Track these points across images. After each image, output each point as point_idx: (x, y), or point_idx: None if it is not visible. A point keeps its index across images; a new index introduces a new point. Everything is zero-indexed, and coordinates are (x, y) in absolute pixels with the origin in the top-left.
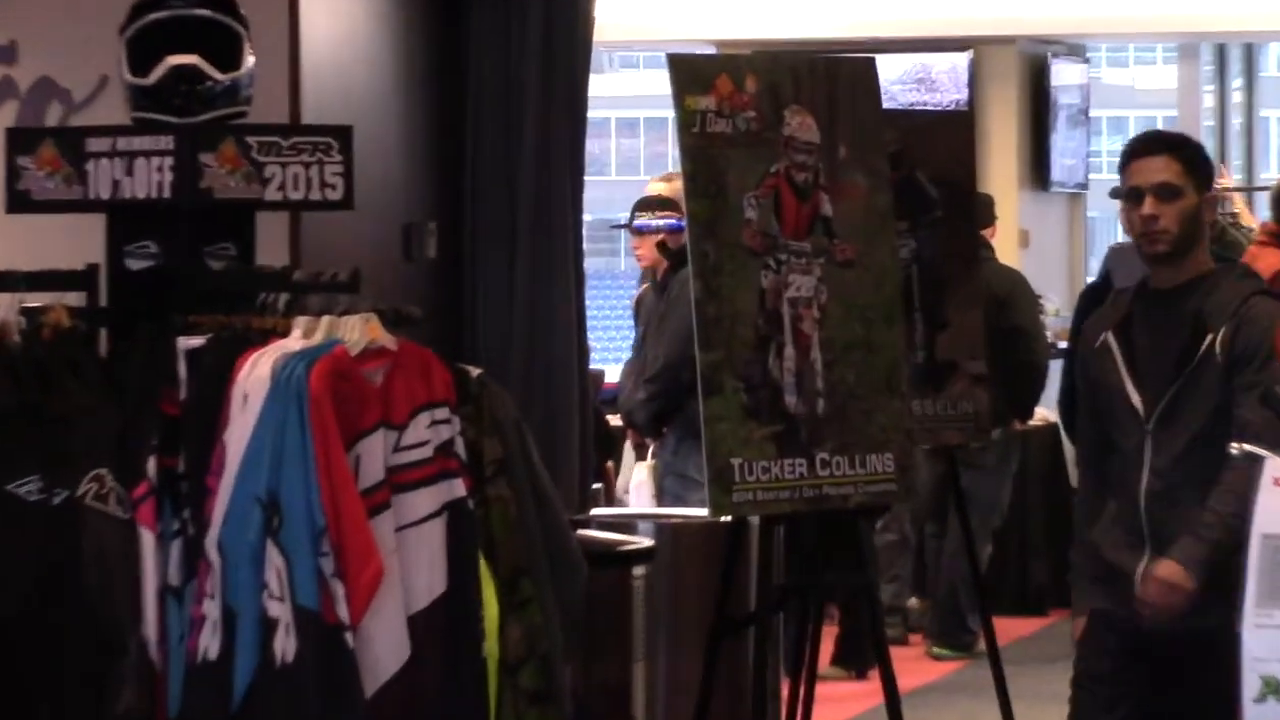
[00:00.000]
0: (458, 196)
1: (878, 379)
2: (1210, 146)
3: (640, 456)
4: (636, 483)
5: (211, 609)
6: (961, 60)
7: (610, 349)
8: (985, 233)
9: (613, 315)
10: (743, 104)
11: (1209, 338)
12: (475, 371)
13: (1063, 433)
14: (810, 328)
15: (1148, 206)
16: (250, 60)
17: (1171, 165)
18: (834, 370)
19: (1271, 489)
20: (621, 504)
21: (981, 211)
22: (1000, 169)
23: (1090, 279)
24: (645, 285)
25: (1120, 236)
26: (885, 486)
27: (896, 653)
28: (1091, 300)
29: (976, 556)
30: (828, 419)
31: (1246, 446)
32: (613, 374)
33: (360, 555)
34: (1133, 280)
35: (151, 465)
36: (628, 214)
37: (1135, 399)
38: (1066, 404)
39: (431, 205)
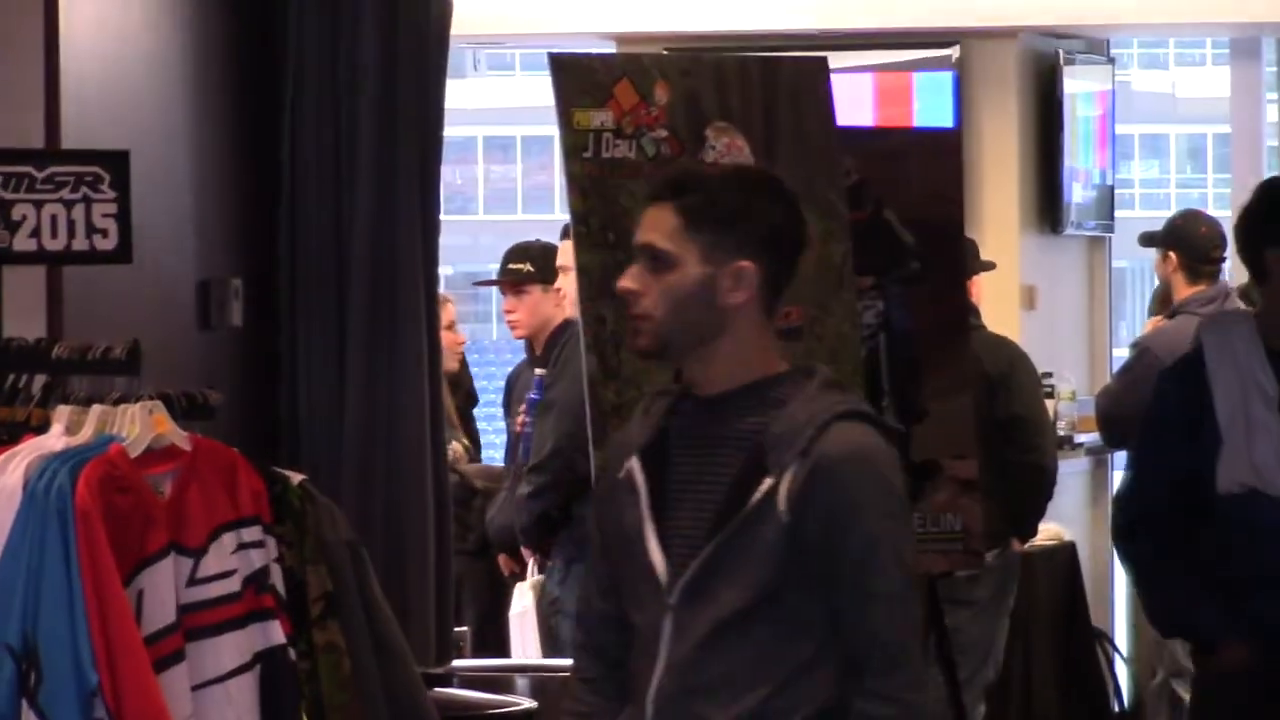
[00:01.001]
0: (269, 245)
1: None
2: (1274, 171)
3: (520, 576)
4: (518, 612)
5: None
6: (945, 60)
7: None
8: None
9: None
10: (651, 120)
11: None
12: (296, 478)
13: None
14: None
15: None
16: None
17: None
18: None
19: None
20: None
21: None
22: (997, 206)
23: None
24: (520, 361)
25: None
26: None
27: None
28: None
29: (966, 719)
30: None
31: None
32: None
33: None
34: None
35: None
36: (498, 266)
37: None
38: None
39: (236, 257)
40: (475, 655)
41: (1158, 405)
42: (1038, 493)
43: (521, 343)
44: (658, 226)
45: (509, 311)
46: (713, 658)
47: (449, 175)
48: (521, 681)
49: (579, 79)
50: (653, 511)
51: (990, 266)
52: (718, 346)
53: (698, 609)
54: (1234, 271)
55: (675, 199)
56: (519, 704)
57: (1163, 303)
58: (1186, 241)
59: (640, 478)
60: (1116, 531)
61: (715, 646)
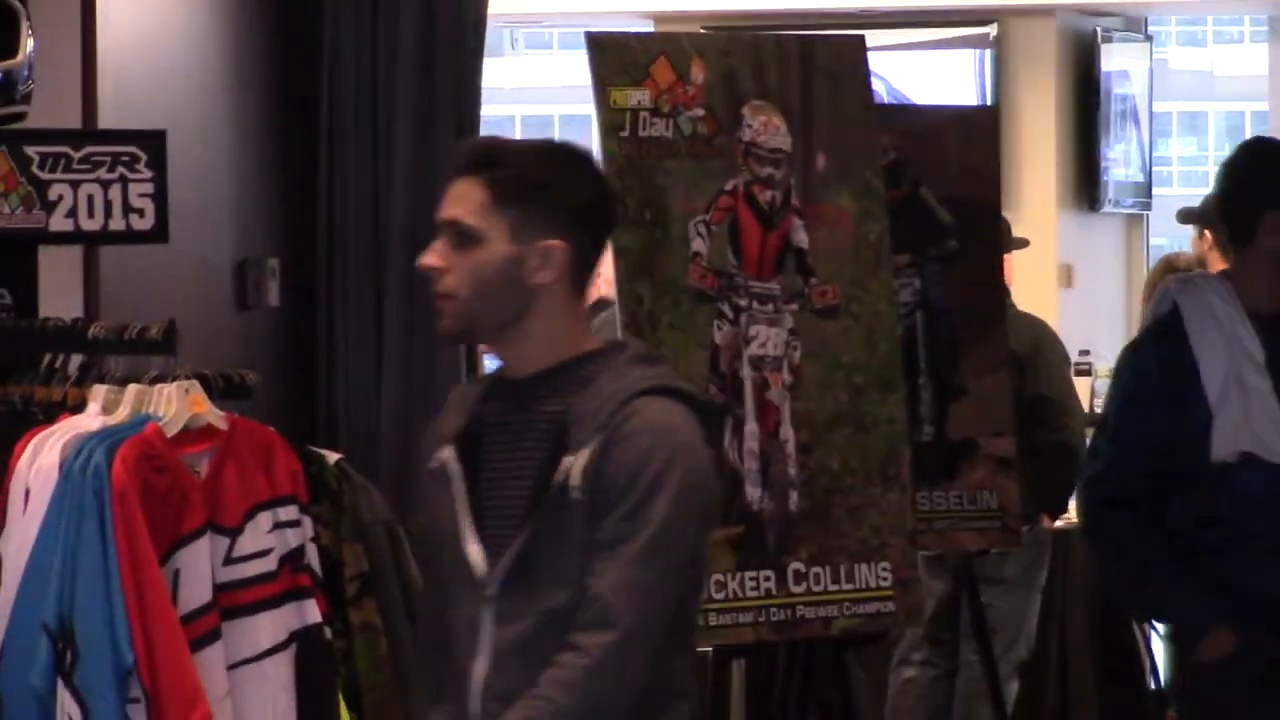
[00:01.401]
0: (307, 227)
1: (870, 464)
2: None
3: None
4: None
5: None
6: (984, 38)
7: None
8: None
9: None
10: (688, 99)
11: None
12: (333, 458)
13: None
14: (779, 397)
15: None
16: (31, 45)
17: None
18: (812, 454)
19: None
20: None
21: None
22: (1035, 184)
23: None
24: None
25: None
26: (879, 606)
27: None
28: (1157, 352)
29: (1003, 699)
30: (803, 518)
31: None
32: None
33: (181, 701)
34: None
35: None
36: None
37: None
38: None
39: (273, 238)
40: None
41: (1136, 375)
42: (1065, 471)
43: None
44: (464, 201)
45: None
46: (539, 650)
47: None
48: None
49: (616, 57)
50: (468, 501)
51: (1023, 244)
52: (526, 327)
53: (520, 600)
54: None
55: (482, 173)
56: None
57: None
58: None
59: (455, 467)
60: (1089, 509)
61: (544, 638)
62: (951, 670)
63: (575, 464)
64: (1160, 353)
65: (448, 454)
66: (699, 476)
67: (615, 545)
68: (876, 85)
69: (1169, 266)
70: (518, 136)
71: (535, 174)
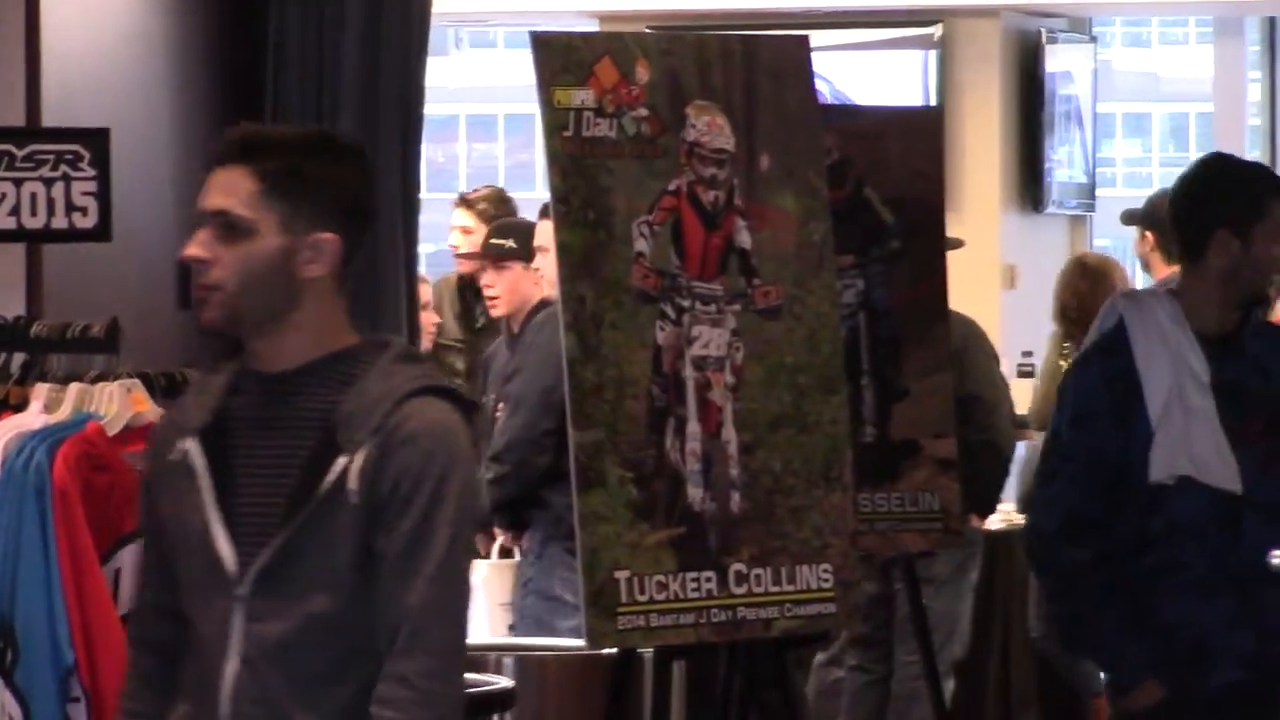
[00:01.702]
0: None
1: (813, 466)
2: (1256, 150)
3: (484, 553)
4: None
5: None
6: (928, 38)
7: None
8: None
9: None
10: (631, 99)
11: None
12: None
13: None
14: (722, 397)
15: None
16: None
17: None
18: (754, 455)
19: None
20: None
21: None
22: (979, 184)
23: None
24: (496, 340)
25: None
26: (820, 608)
27: None
28: (1103, 368)
29: (943, 700)
30: (745, 519)
31: None
32: None
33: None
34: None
35: None
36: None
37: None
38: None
39: None
40: None
41: (1082, 392)
42: (994, 470)
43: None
44: (232, 191)
45: (488, 287)
46: (300, 654)
47: (431, 153)
48: (497, 660)
49: (560, 57)
50: (216, 497)
51: (957, 244)
52: (290, 321)
53: (277, 601)
54: None
55: (251, 163)
56: (496, 682)
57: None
58: (1164, 221)
59: (200, 461)
60: (1042, 535)
61: (302, 641)
62: (886, 675)
63: (351, 466)
64: (1106, 369)
65: (190, 446)
66: (474, 479)
67: (410, 560)
68: (821, 86)
69: (1080, 265)
70: (462, 136)
71: (308, 166)
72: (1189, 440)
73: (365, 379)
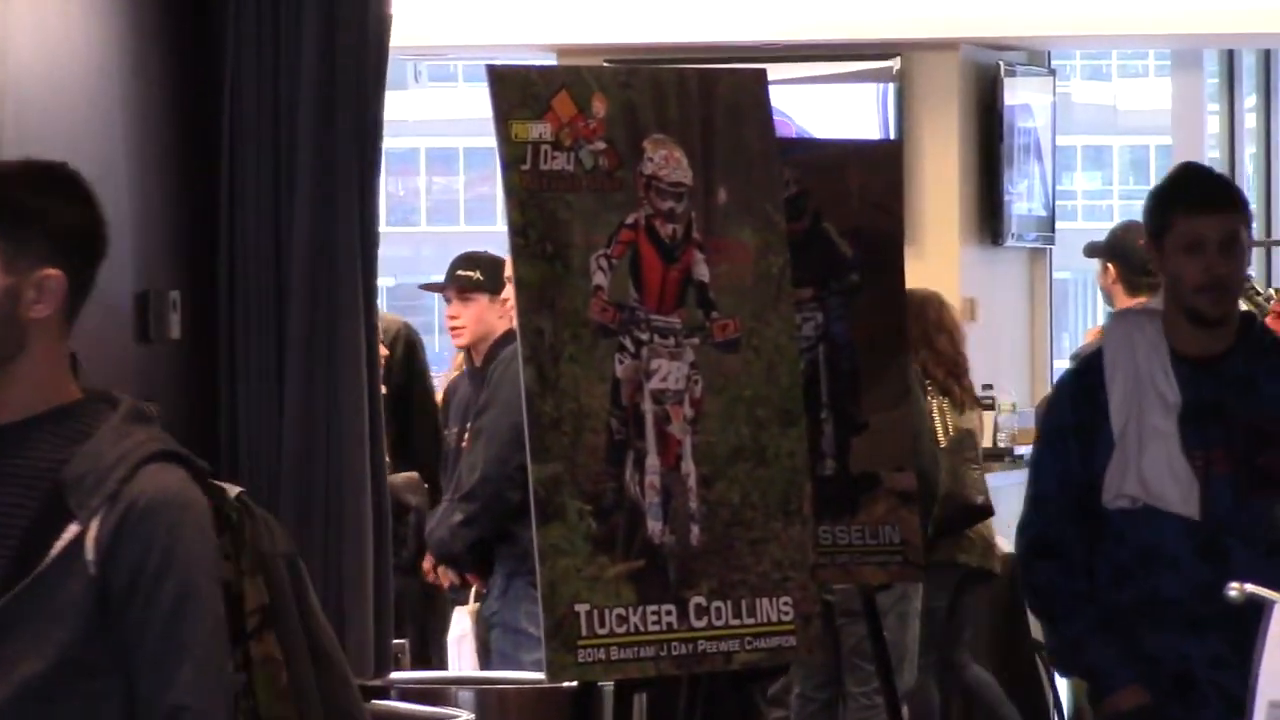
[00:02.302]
0: (209, 259)
1: (772, 499)
2: None
3: (460, 600)
4: (457, 635)
5: None
6: (887, 71)
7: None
8: None
9: None
10: (589, 132)
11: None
12: (233, 490)
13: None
14: (681, 430)
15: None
16: None
17: None
18: (713, 487)
19: None
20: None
21: None
22: (938, 217)
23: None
24: (457, 372)
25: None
26: (780, 640)
27: None
28: (1073, 389)
29: None
30: (704, 552)
31: (1249, 588)
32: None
33: None
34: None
35: None
36: (443, 274)
37: None
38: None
39: (174, 270)
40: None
41: (1054, 411)
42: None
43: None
44: None
45: (453, 318)
46: None
47: (391, 187)
48: (461, 694)
49: (517, 90)
50: None
51: None
52: (15, 369)
53: None
54: None
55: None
56: (456, 716)
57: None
58: (1126, 253)
59: None
60: (1019, 558)
61: (23, 709)
62: (830, 700)
63: (87, 535)
64: (1075, 389)
65: None
66: (213, 548)
67: (179, 633)
68: (780, 119)
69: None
70: (422, 169)
71: (28, 198)
72: (1141, 463)
73: (94, 438)
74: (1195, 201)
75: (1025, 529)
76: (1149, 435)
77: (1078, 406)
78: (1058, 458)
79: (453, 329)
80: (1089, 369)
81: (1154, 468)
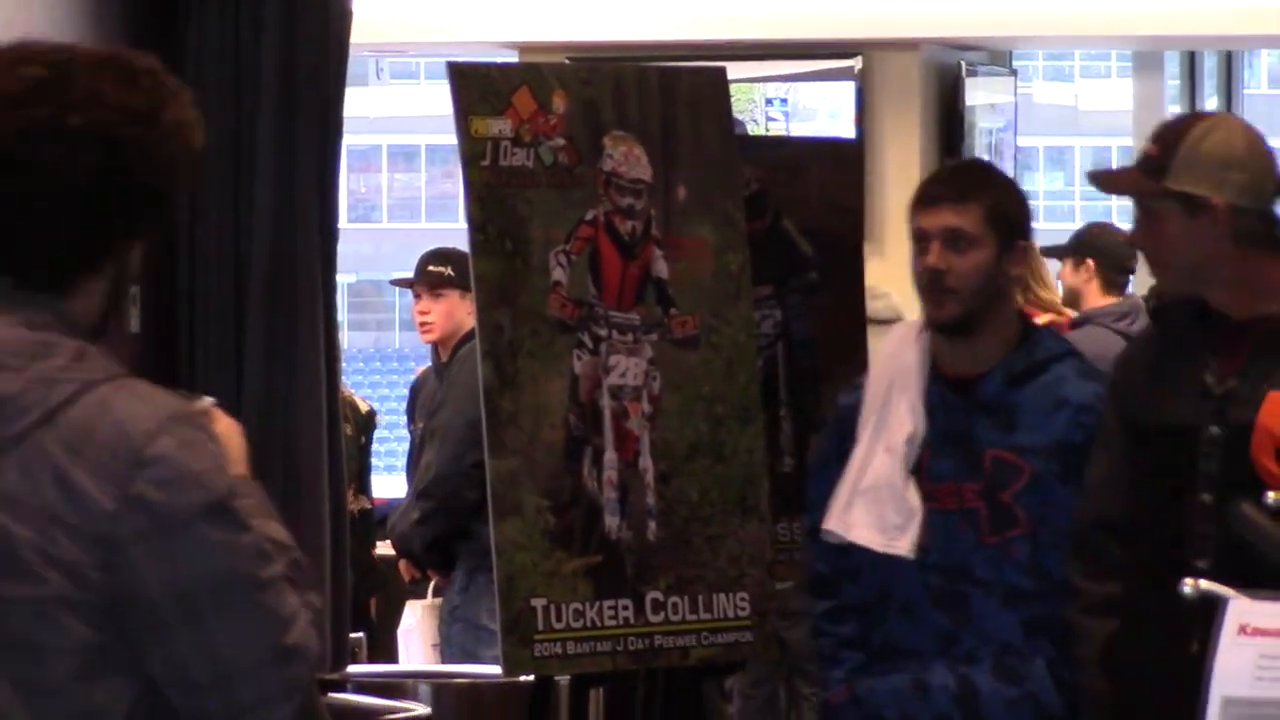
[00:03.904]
0: (168, 252)
1: (729, 495)
2: None
3: (417, 594)
4: (405, 628)
5: None
6: (848, 70)
7: (384, 454)
8: None
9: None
10: (549, 129)
11: None
12: None
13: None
14: (639, 427)
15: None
16: None
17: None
18: (670, 484)
19: (1236, 640)
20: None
21: None
22: (898, 217)
23: None
24: (425, 366)
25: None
26: (737, 636)
27: None
28: (837, 409)
29: None
30: (661, 548)
31: (1204, 584)
32: (388, 487)
33: None
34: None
35: None
36: (412, 270)
37: None
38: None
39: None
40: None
41: (822, 436)
42: None
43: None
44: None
45: (423, 313)
46: None
47: (353, 183)
48: (419, 687)
49: (477, 87)
50: None
51: None
52: None
53: None
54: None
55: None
56: (413, 710)
57: None
58: (1105, 250)
59: None
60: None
61: None
62: (770, 696)
63: None
64: (844, 410)
65: None
66: None
67: None
68: (741, 118)
69: None
70: (384, 166)
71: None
72: (854, 494)
73: None
74: (920, 195)
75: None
76: (876, 466)
77: (841, 431)
78: (819, 487)
79: (422, 325)
80: (854, 387)
81: (868, 503)
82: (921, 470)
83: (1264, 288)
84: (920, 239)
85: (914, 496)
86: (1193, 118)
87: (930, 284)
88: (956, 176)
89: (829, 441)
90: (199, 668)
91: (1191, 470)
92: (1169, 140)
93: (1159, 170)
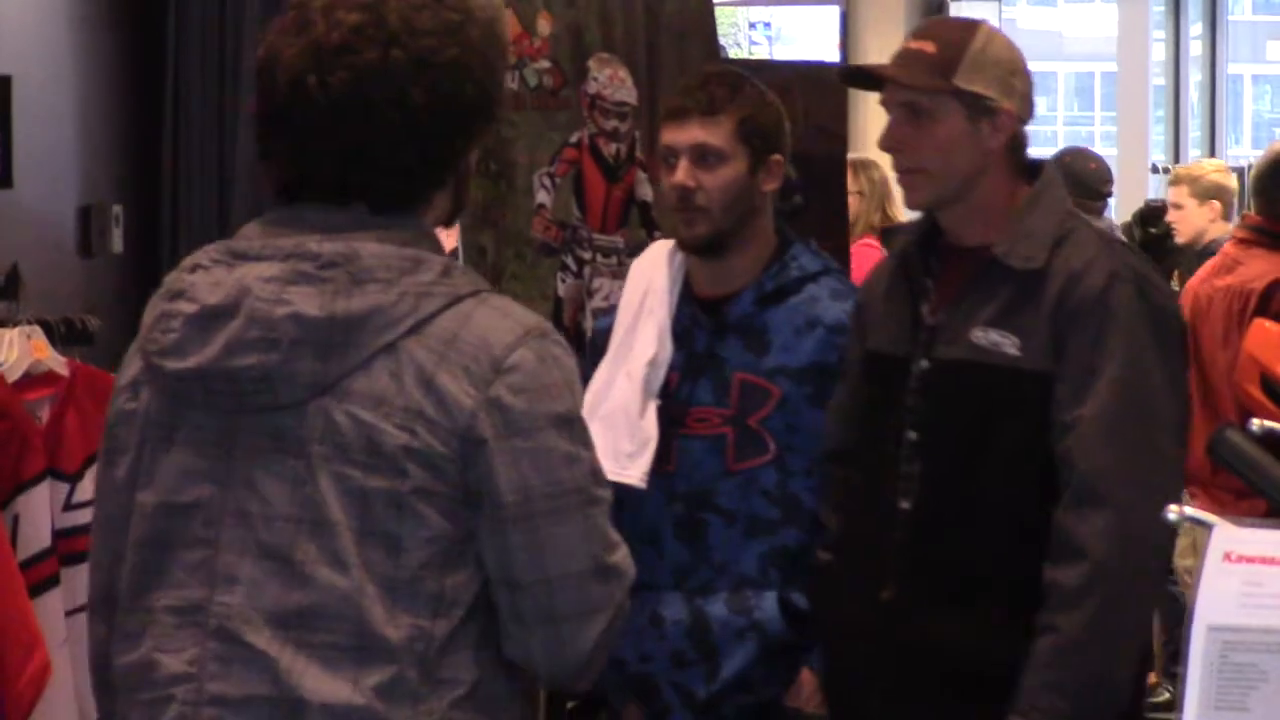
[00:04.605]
0: (153, 173)
1: None
2: (1161, 111)
3: None
4: None
5: None
6: None
7: None
8: None
9: None
10: (534, 51)
11: None
12: None
13: None
14: None
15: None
16: None
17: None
18: None
19: (1221, 566)
20: None
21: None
22: None
23: None
24: None
25: None
26: None
27: None
28: (599, 336)
29: None
30: None
31: (1189, 511)
32: None
33: (20, 646)
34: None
35: None
36: None
37: None
38: None
39: (118, 184)
40: None
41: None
42: None
43: None
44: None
45: None
46: None
47: None
48: None
49: None
50: None
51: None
52: None
53: None
54: (1117, 209)
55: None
56: None
57: None
58: (1076, 177)
59: None
60: None
61: None
62: None
63: None
64: (596, 334)
65: None
66: None
67: None
68: (726, 42)
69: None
70: None
71: None
72: (592, 419)
73: None
74: (668, 109)
75: None
76: (615, 392)
77: (597, 356)
78: None
79: None
80: (612, 310)
81: (604, 429)
82: (669, 395)
83: (996, 214)
84: (668, 155)
85: (650, 423)
86: (963, 20)
87: (679, 202)
88: (706, 89)
89: (589, 367)
90: (522, 566)
91: (902, 404)
92: (951, 39)
93: (943, 68)
